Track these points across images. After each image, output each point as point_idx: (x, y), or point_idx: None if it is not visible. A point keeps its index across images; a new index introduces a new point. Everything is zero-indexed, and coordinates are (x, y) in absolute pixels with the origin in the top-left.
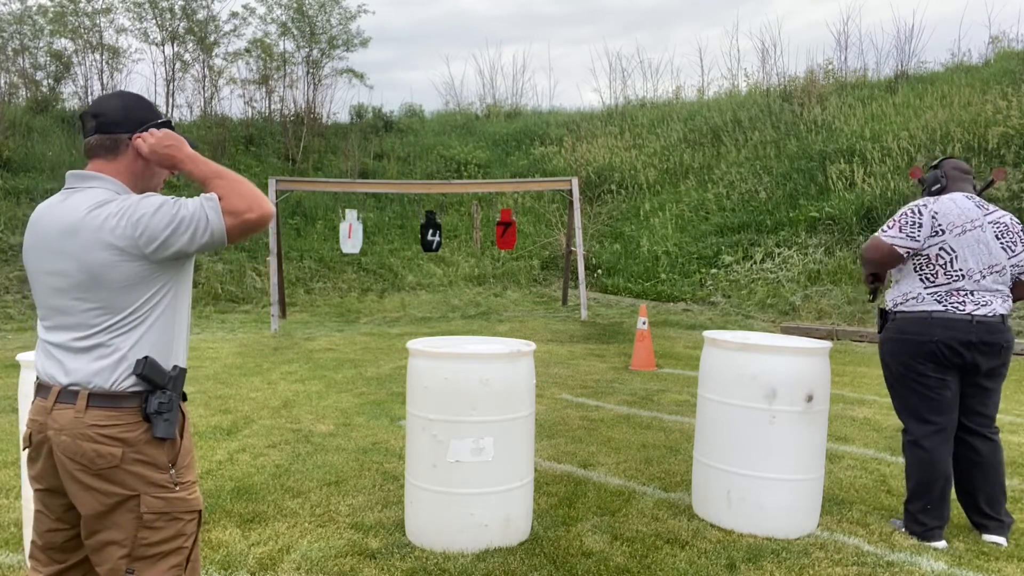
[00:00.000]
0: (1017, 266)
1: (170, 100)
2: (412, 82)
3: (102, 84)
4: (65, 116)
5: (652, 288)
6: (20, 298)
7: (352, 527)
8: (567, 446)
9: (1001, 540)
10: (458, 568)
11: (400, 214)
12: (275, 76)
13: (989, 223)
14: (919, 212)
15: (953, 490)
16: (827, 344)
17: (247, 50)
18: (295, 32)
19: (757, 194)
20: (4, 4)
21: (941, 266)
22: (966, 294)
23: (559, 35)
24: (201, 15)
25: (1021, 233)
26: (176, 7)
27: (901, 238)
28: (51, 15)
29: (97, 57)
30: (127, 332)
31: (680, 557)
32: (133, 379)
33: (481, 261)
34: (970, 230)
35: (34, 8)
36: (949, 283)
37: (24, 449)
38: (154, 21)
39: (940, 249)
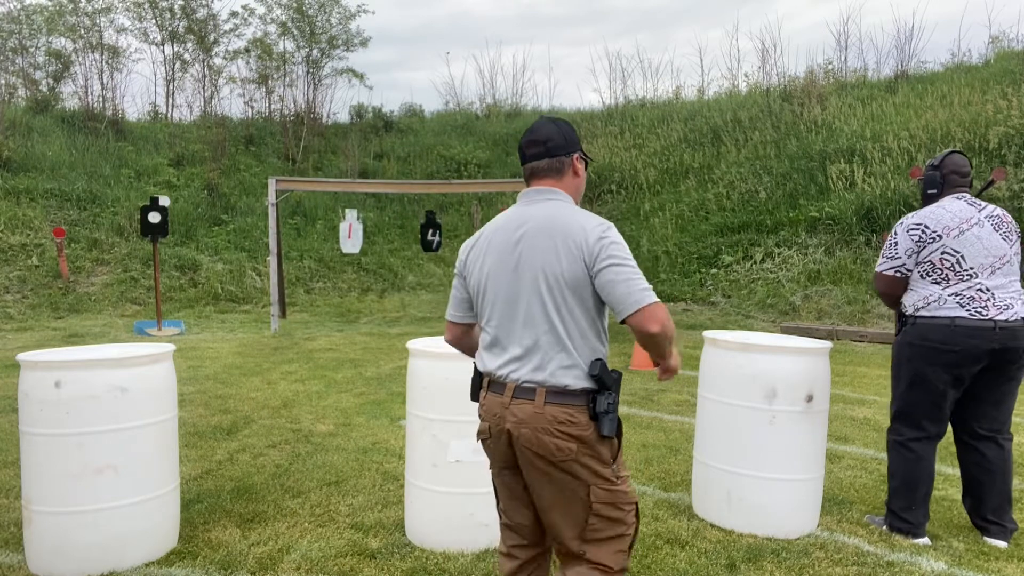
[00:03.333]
0: (1018, 255)
1: (170, 100)
2: (413, 82)
3: (102, 84)
4: (65, 116)
5: (652, 288)
6: (20, 298)
7: (352, 527)
8: None
9: (1002, 544)
10: (458, 568)
11: (400, 214)
12: (275, 76)
13: (985, 217)
14: (894, 233)
15: (957, 491)
16: (827, 344)
17: (247, 50)
18: (295, 32)
19: (757, 194)
20: (2, 4)
21: (949, 267)
22: (988, 296)
23: (560, 36)
24: (201, 14)
25: (1014, 224)
26: (176, 7)
27: (884, 263)
28: (48, 13)
29: (97, 57)
30: (579, 336)
31: (680, 557)
32: (585, 379)
33: None
34: (967, 229)
35: (32, 7)
36: (963, 282)
37: (481, 439)
38: (154, 21)
39: (942, 253)
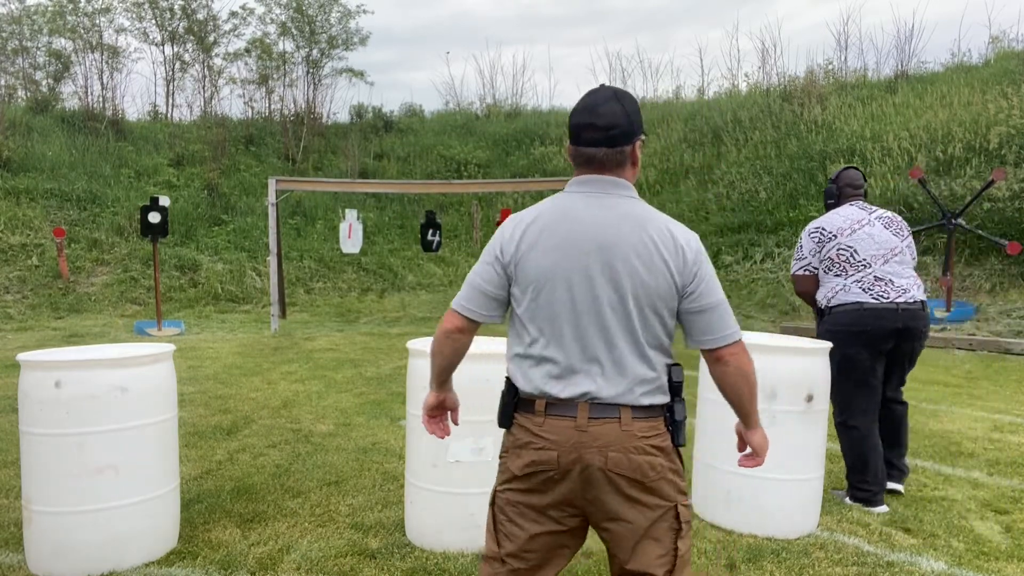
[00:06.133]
0: (910, 248)
1: (170, 100)
2: (413, 82)
3: (102, 84)
4: (65, 116)
5: None
6: (20, 298)
7: (352, 527)
8: None
9: (899, 487)
10: (458, 568)
11: (400, 214)
12: (275, 76)
13: (875, 219)
14: (800, 238)
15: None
16: (827, 344)
17: (247, 50)
18: (294, 32)
19: (757, 194)
20: (2, 4)
21: (845, 260)
22: (886, 283)
23: (560, 36)
24: (201, 15)
25: (904, 223)
26: (176, 7)
27: (795, 264)
28: (49, 14)
29: (97, 57)
30: (659, 350)
31: None
32: (666, 394)
33: None
34: (858, 228)
35: (32, 8)
36: (859, 272)
37: (539, 473)
38: (154, 21)
39: (838, 250)
